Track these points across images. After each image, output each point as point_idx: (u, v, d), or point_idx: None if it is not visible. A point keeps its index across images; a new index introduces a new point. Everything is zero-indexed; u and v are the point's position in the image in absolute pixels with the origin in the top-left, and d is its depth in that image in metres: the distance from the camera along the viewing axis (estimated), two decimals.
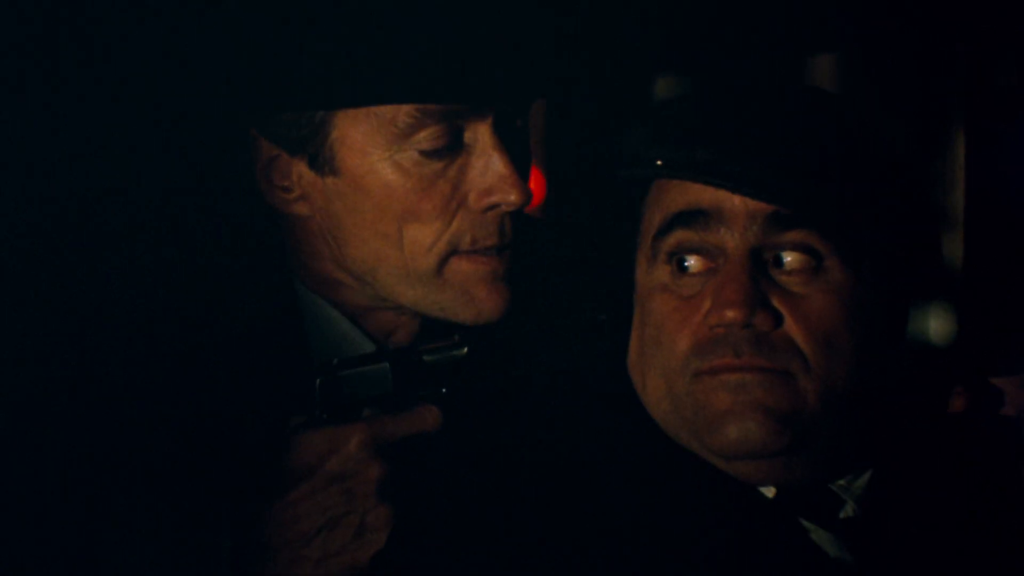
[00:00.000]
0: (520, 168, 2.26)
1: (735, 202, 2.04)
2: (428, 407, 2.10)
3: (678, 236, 2.07)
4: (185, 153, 2.36)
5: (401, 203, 2.24)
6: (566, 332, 2.21)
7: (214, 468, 2.16)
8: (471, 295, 2.27)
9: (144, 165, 2.38)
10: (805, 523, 2.07)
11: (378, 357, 2.15)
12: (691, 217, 2.06)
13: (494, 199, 2.25)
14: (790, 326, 2.03)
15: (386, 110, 2.22)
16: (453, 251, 2.26)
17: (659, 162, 2.07)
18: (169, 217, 2.32)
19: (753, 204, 2.04)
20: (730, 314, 2.01)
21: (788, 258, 2.05)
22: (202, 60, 2.32)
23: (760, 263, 2.04)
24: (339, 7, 2.22)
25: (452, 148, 2.24)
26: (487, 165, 2.24)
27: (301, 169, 2.27)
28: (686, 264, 2.07)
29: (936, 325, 4.82)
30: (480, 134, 2.24)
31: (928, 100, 4.77)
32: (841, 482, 2.10)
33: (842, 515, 2.08)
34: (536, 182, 5.01)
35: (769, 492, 2.08)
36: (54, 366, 2.21)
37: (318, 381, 2.12)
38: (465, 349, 2.12)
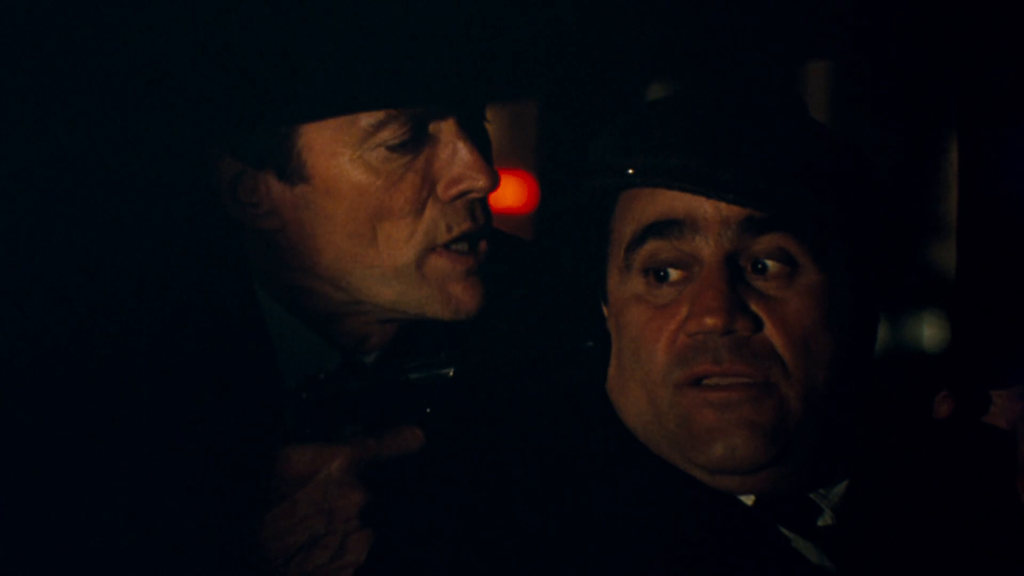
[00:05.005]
0: (485, 155, 2.26)
1: (708, 209, 2.04)
2: (411, 429, 2.10)
3: (651, 247, 2.07)
4: (147, 171, 2.36)
5: (373, 201, 2.24)
6: (553, 357, 2.20)
7: (194, 477, 2.16)
8: (448, 292, 2.28)
9: (105, 183, 2.38)
10: (785, 531, 2.08)
11: (364, 374, 2.15)
12: (664, 227, 2.06)
13: (463, 186, 2.26)
14: (769, 330, 2.03)
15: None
16: (431, 246, 2.26)
17: (631, 170, 2.07)
18: (130, 229, 2.32)
19: (726, 210, 2.04)
20: (710, 321, 2.01)
21: (763, 263, 2.05)
22: (169, 79, 2.31)
23: (736, 269, 2.05)
24: (302, 21, 2.22)
25: (417, 140, 2.25)
26: (453, 154, 2.25)
27: (269, 182, 2.27)
28: (661, 274, 2.06)
29: (929, 332, 4.82)
30: (444, 125, 2.26)
31: (921, 107, 4.76)
32: (820, 490, 2.10)
33: (820, 523, 2.09)
34: (528, 188, 5.01)
35: (748, 500, 2.08)
36: (31, 373, 2.21)
37: (303, 395, 2.11)
38: (452, 370, 2.12)
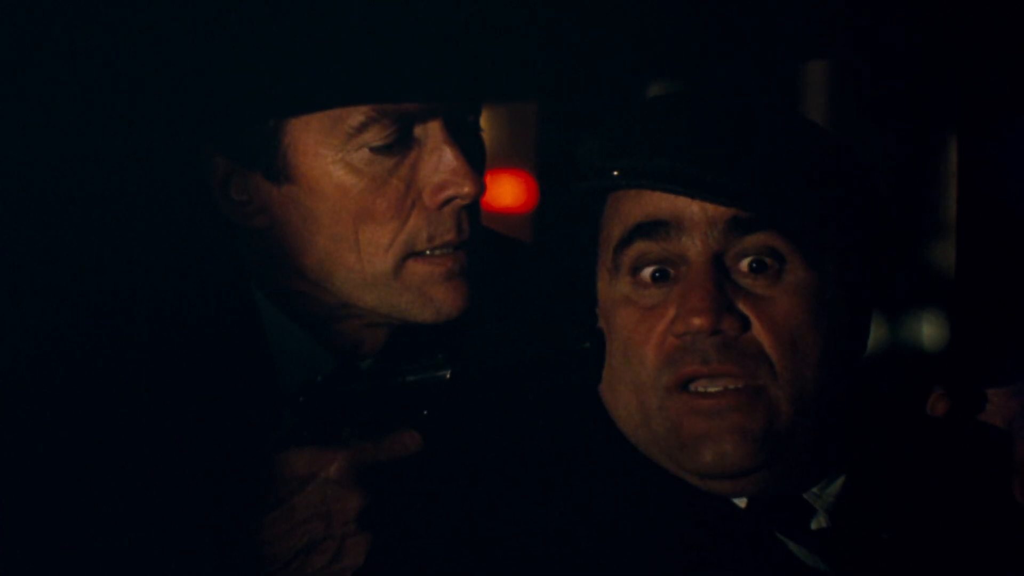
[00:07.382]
0: (472, 160, 2.26)
1: (694, 209, 2.05)
2: (409, 432, 2.10)
3: (639, 248, 2.07)
4: (142, 171, 2.36)
5: (355, 203, 2.24)
6: (549, 359, 2.20)
7: (192, 480, 2.16)
8: (428, 296, 2.27)
9: (100, 183, 2.38)
10: (779, 535, 2.08)
11: (361, 377, 2.15)
12: (651, 228, 2.06)
13: (448, 193, 2.25)
14: (757, 330, 2.03)
15: (338, 111, 2.23)
16: (409, 253, 2.26)
17: (616, 172, 2.07)
18: (126, 230, 2.33)
19: (712, 210, 2.04)
20: (696, 322, 2.02)
21: (750, 262, 2.05)
22: (160, 77, 2.32)
23: (722, 269, 2.05)
24: (291, 16, 2.22)
25: (402, 144, 2.24)
26: (439, 160, 2.24)
27: (258, 181, 2.27)
28: (648, 275, 2.07)
29: (929, 331, 4.82)
30: (430, 129, 2.25)
31: (921, 107, 4.77)
32: (814, 490, 2.10)
33: (814, 525, 2.09)
34: (527, 187, 5.01)
35: (741, 503, 2.08)
36: (29, 377, 2.21)
37: (300, 398, 2.11)
38: (448, 372, 2.12)
